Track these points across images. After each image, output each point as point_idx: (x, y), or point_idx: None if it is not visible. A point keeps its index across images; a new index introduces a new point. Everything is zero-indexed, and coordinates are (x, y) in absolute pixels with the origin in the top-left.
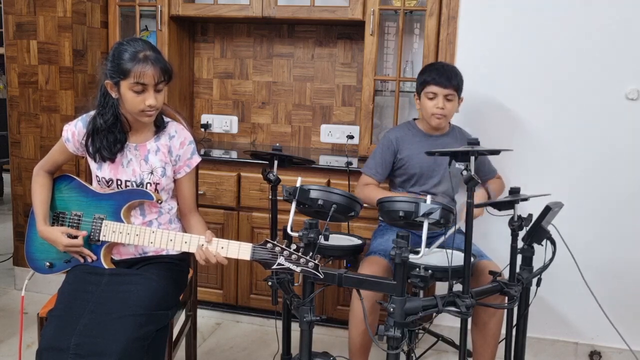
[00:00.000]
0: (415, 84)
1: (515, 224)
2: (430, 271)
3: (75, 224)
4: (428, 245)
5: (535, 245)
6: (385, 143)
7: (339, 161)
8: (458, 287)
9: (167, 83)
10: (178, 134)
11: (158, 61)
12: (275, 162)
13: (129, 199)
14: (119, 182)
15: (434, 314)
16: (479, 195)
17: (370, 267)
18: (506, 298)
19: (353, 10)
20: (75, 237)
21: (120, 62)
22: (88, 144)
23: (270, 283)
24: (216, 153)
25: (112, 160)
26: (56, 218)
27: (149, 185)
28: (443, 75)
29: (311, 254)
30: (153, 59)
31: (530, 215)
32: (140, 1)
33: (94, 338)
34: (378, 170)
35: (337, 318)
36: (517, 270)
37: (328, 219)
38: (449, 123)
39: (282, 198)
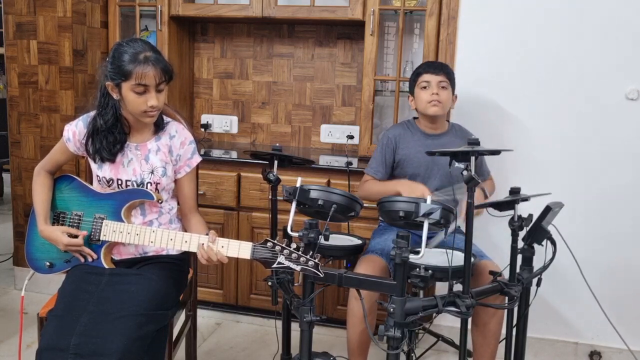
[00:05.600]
0: None
1: (516, 224)
2: (430, 271)
3: (75, 224)
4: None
5: (536, 246)
6: (384, 141)
7: (339, 161)
8: (458, 287)
9: (168, 83)
10: (179, 133)
11: (158, 62)
12: (275, 162)
13: (129, 199)
14: (119, 182)
15: (434, 314)
16: (477, 196)
17: (367, 266)
18: (506, 298)
19: (353, 10)
20: (76, 236)
21: (121, 64)
22: (88, 144)
23: (270, 283)
24: (216, 153)
25: (112, 161)
26: (57, 218)
27: (149, 185)
28: (434, 64)
29: (311, 253)
30: (154, 59)
31: (530, 215)
32: (140, 1)
33: (94, 338)
34: (379, 169)
35: (337, 318)
36: (518, 270)
37: (328, 219)
38: (448, 122)
39: (282, 198)
